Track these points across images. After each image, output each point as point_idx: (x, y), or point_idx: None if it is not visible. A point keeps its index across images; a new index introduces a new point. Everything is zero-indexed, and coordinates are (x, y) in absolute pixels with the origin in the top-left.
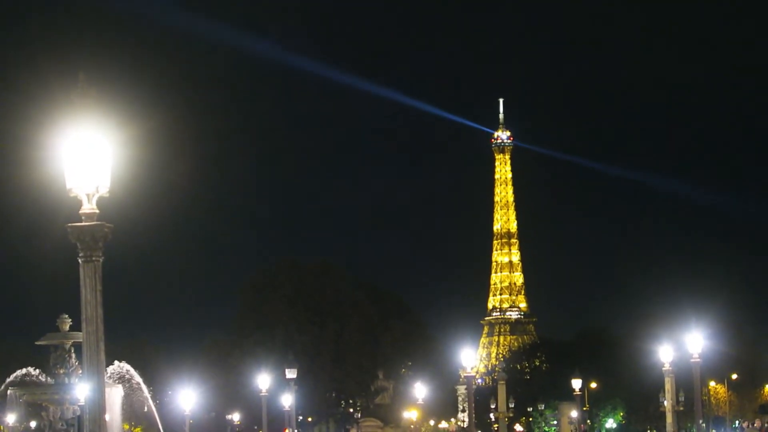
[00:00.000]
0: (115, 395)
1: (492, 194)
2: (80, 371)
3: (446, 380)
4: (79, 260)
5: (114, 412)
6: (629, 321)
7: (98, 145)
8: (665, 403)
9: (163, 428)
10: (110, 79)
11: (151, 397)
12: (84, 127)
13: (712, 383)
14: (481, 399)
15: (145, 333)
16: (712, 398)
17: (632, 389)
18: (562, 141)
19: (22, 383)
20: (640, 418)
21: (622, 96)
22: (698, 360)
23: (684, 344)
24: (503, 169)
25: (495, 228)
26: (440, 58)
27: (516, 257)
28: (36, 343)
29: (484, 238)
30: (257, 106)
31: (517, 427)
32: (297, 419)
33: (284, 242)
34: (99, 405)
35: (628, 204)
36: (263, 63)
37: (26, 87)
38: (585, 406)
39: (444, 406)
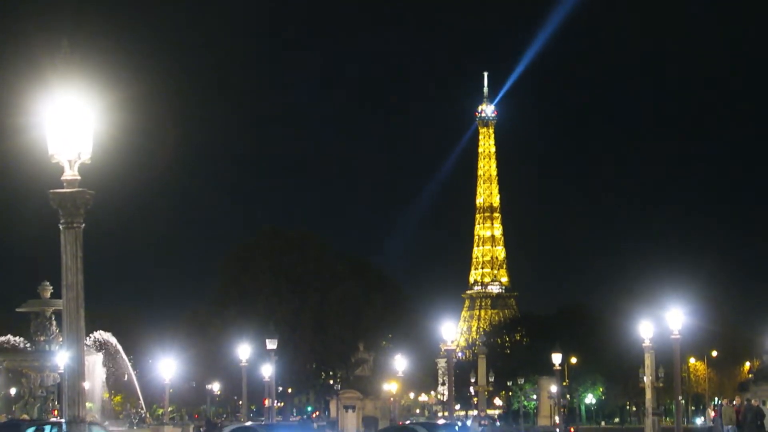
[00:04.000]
0: (95, 363)
1: (475, 168)
2: (61, 338)
3: (426, 353)
4: (61, 226)
5: (94, 380)
6: (610, 297)
7: (81, 111)
8: (645, 379)
9: (143, 397)
10: (94, 45)
11: (131, 365)
12: (67, 94)
13: (692, 360)
14: (461, 372)
15: (126, 301)
16: (691, 375)
17: (612, 365)
18: (546, 116)
19: (3, 350)
20: (619, 394)
21: (608, 70)
22: (678, 336)
23: (664, 321)
24: (487, 143)
25: (478, 202)
26: (425, 32)
27: (498, 231)
28: (17, 309)
29: (466, 211)
30: (243, 74)
31: (497, 400)
32: (277, 390)
33: (267, 212)
34: (79, 372)
35: (610, 180)
36: (250, 28)
37: (9, 52)
38: (564, 381)
39: (424, 379)
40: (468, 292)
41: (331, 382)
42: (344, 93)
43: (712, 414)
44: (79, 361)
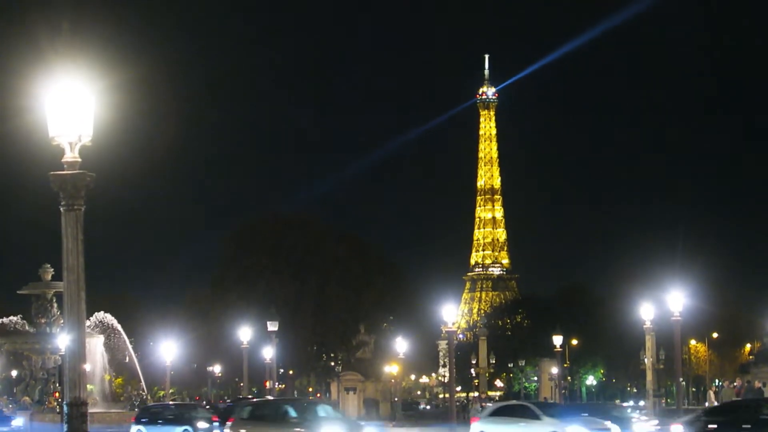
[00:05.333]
0: (96, 345)
1: (476, 150)
2: (62, 321)
3: (427, 335)
4: (61, 209)
5: (95, 362)
6: (611, 279)
7: (81, 94)
8: (646, 361)
9: (144, 379)
10: (94, 28)
11: (133, 348)
12: (67, 76)
13: (693, 342)
14: (462, 354)
15: (127, 283)
16: (692, 357)
17: (613, 347)
18: (547, 99)
19: (4, 332)
20: (620, 376)
21: (610, 52)
22: (679, 318)
23: (665, 303)
24: (488, 125)
25: (479, 184)
26: (426, 13)
27: (499, 213)
28: (18, 292)
29: (467, 193)
30: (244, 53)
31: (498, 382)
32: (278, 372)
33: (267, 194)
34: (80, 355)
35: (612, 162)
36: (251, 6)
37: (9, 35)
38: (565, 363)
39: (425, 361)
40: (469, 274)
41: (332, 364)
42: (342, 74)
43: (712, 396)
44: (80, 343)
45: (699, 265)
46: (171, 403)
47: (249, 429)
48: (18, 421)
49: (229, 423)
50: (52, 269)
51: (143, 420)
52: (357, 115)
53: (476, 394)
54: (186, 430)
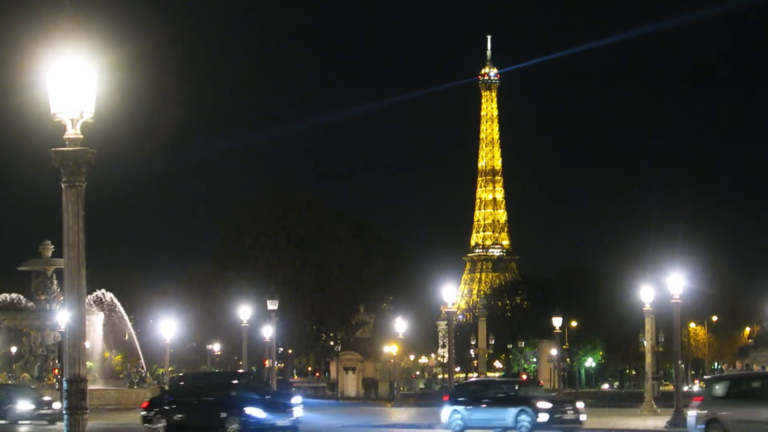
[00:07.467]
0: (96, 322)
1: (478, 131)
2: (62, 298)
3: (427, 316)
4: (62, 185)
5: (95, 339)
6: (611, 260)
7: (84, 69)
8: (645, 343)
9: (144, 356)
10: (97, 3)
11: (132, 325)
12: (70, 52)
13: (692, 325)
14: (462, 335)
15: (127, 261)
16: (691, 340)
17: (612, 329)
18: (549, 80)
19: (4, 308)
20: (619, 358)
21: (613, 34)
22: (679, 301)
23: (665, 285)
24: (489, 106)
25: (480, 165)
26: None
27: (500, 194)
28: (18, 268)
29: (468, 174)
30: (251, 31)
31: (497, 363)
32: (277, 351)
33: (269, 173)
34: (79, 332)
35: (612, 144)
36: None
37: (11, 10)
38: (565, 345)
39: (424, 342)
40: (469, 255)
41: (332, 343)
42: (344, 54)
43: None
44: (80, 320)
45: (699, 248)
46: (496, 378)
47: (732, 412)
48: (297, 399)
49: (695, 402)
50: (53, 246)
51: (460, 400)
52: (356, 96)
53: (475, 375)
54: (522, 411)
